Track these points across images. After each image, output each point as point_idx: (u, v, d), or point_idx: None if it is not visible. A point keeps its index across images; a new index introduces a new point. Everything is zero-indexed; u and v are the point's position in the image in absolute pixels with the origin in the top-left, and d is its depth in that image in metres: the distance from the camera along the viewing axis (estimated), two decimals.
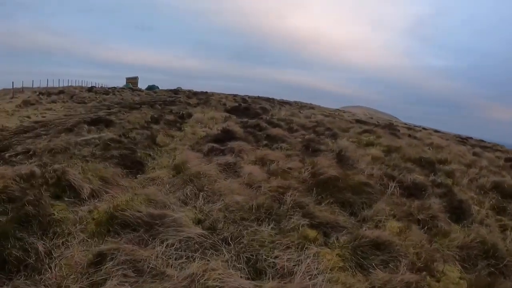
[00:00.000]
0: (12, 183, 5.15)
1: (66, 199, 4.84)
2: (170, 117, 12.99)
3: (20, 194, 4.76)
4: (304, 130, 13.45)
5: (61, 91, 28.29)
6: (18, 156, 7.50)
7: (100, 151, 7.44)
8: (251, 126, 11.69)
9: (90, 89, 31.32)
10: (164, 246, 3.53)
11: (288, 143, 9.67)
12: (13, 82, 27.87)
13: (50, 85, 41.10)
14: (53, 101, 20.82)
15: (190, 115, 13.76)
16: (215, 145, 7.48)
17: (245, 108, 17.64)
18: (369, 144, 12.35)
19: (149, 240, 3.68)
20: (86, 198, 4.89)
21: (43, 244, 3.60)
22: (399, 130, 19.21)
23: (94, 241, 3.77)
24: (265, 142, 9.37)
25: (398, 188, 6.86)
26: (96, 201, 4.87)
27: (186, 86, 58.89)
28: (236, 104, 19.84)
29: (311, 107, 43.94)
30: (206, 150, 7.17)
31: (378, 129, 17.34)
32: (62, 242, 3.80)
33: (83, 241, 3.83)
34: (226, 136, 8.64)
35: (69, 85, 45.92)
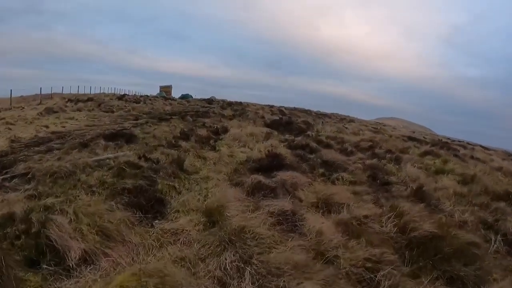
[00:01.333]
0: None
1: (45, 266, 3.33)
2: (203, 132, 11.49)
3: None
4: (360, 152, 11.58)
5: (90, 99, 27.79)
6: (14, 180, 6.17)
7: (112, 178, 5.98)
8: (299, 147, 9.97)
9: (121, 97, 30.74)
10: None
11: (349, 172, 7.86)
12: (41, 88, 27.85)
13: (83, 91, 41.73)
14: (79, 109, 20.03)
15: (225, 130, 12.21)
16: (260, 178, 5.77)
17: (287, 123, 15.94)
18: (439, 172, 10.43)
19: None
20: (74, 265, 3.35)
21: None
22: (458, 150, 17.08)
23: None
24: (321, 170, 7.60)
25: (501, 243, 5.05)
26: (88, 269, 3.34)
27: (220, 95, 58.41)
28: (277, 118, 18.19)
29: (351, 119, 42.12)
30: (249, 184, 5.48)
31: (437, 149, 15.28)
32: None
33: None
34: (272, 162, 6.95)
35: (101, 92, 46.33)
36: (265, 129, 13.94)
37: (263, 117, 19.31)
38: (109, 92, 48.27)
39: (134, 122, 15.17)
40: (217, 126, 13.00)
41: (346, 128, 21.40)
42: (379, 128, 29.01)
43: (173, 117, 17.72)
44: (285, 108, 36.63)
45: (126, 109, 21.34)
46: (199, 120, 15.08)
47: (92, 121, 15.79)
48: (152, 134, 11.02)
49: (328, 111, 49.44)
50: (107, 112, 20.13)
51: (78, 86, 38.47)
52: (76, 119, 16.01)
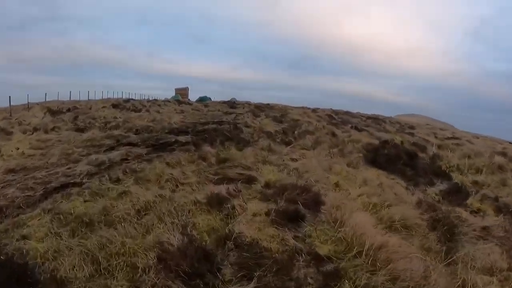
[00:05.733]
0: None
1: None
2: (257, 230, 3.82)
3: None
4: None
5: (73, 107, 20.61)
6: None
7: None
8: None
9: (117, 104, 23.29)
10: None
11: None
12: (10, 97, 20.70)
13: (99, 97, 35.65)
14: (36, 128, 12.72)
15: (316, 201, 4.49)
16: None
17: (409, 155, 8.12)
18: None
19: None
20: None
21: None
22: None
23: None
24: None
25: None
26: None
27: (240, 97, 52.38)
28: (373, 141, 10.07)
29: (410, 125, 34.25)
30: None
31: None
32: None
33: None
34: None
35: (107, 97, 39.41)
36: (381, 175, 6.25)
37: (333, 134, 11.49)
38: (117, 97, 41.30)
39: (103, 158, 7.63)
40: (287, 191, 5.18)
41: (458, 145, 13.33)
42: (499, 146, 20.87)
43: (180, 137, 10.18)
44: (332, 112, 28.72)
45: (112, 124, 13.88)
46: (232, 157, 7.10)
47: (25, 159, 8.42)
48: (98, 243, 3.49)
49: (350, 109, 40.87)
50: (78, 130, 12.75)
51: (77, 91, 31.63)
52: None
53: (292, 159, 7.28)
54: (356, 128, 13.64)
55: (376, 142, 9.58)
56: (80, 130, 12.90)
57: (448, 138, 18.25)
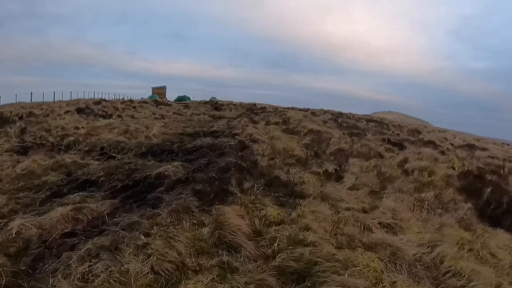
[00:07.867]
0: None
1: None
2: None
3: None
4: None
5: (29, 114, 16.62)
6: None
7: None
8: None
9: (82, 109, 19.18)
10: None
11: None
12: None
13: (58, 97, 31.33)
14: None
15: None
16: None
17: None
18: None
19: None
20: None
21: None
22: None
23: None
24: None
25: None
26: None
27: (220, 95, 50.19)
28: (451, 172, 6.73)
29: (415, 129, 32.27)
30: None
31: None
32: None
33: None
34: None
35: (78, 98, 35.18)
36: None
37: (380, 155, 8.10)
38: (89, 97, 37.19)
39: (31, 229, 4.11)
40: None
41: None
42: None
43: (164, 166, 6.74)
44: (332, 115, 25.64)
45: (70, 139, 10.21)
46: (301, 260, 3.56)
47: None
48: None
49: (330, 108, 38.18)
50: (21, 150, 9.11)
51: (31, 93, 27.60)
52: None
53: (384, 225, 3.98)
54: (389, 142, 10.40)
55: (452, 172, 6.37)
56: (24, 151, 9.22)
57: (467, 146, 15.50)
